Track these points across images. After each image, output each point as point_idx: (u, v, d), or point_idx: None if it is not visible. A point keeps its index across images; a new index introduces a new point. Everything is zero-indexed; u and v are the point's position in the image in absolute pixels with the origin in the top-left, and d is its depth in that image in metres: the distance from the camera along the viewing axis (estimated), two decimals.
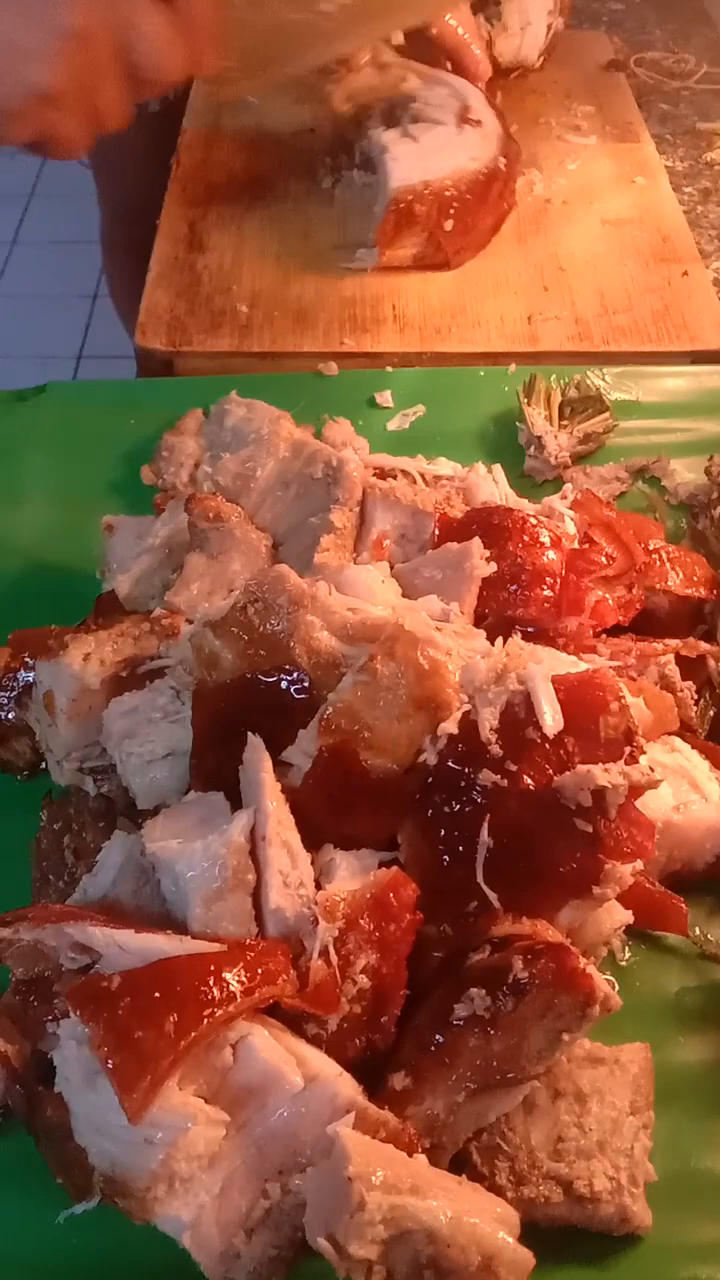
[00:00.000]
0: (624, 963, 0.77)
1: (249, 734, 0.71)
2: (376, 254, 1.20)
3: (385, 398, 1.09)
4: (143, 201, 1.33)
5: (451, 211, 1.18)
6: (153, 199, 1.32)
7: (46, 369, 3.24)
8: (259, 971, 0.61)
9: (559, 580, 0.82)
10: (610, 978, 0.75)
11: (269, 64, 1.19)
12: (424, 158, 1.18)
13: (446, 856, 0.69)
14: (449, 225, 1.19)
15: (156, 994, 0.58)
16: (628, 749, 0.69)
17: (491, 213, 1.24)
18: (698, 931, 0.77)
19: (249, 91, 1.25)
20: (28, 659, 0.82)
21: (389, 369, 1.12)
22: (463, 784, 0.69)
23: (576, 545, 0.85)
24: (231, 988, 0.59)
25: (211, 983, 0.59)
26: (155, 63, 0.99)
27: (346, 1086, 0.63)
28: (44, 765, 0.83)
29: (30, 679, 0.82)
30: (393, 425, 1.07)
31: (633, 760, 0.69)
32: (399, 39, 1.30)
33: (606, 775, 0.67)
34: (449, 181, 1.17)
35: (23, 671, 0.83)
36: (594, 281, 1.23)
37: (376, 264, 1.21)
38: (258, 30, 1.16)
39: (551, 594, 0.81)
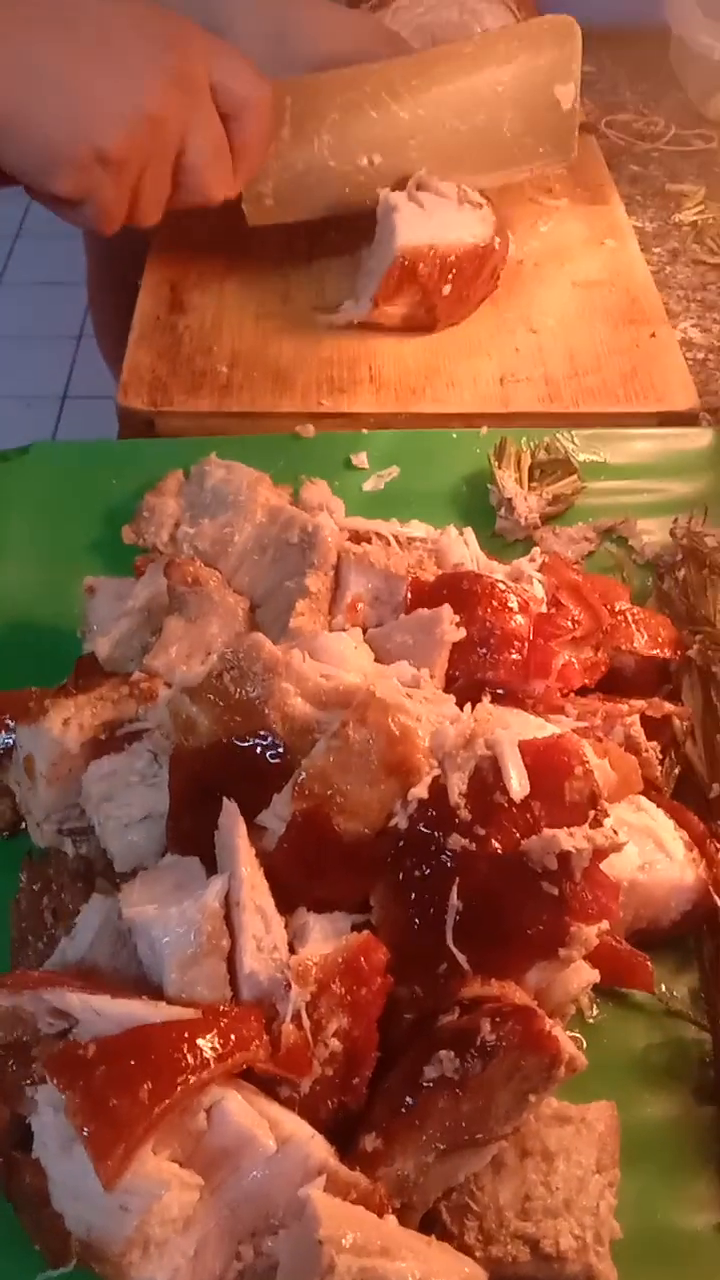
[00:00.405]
0: (591, 1020, 0.78)
1: (224, 799, 0.73)
2: (366, 308, 1.22)
3: (361, 459, 1.12)
4: (128, 243, 1.35)
5: (450, 277, 1.21)
6: (139, 241, 1.34)
7: (30, 410, 3.27)
8: (232, 1037, 0.63)
9: (526, 644, 0.84)
10: (577, 1035, 0.77)
11: (306, 200, 1.27)
12: (429, 223, 1.21)
13: (417, 919, 0.71)
14: (446, 290, 1.22)
15: (132, 1061, 0.59)
16: (592, 812, 0.71)
17: (483, 288, 1.27)
18: (664, 988, 0.79)
19: (282, 219, 1.28)
20: (8, 722, 0.84)
21: (365, 431, 1.15)
22: (433, 848, 0.71)
23: (544, 609, 0.87)
24: (205, 1054, 0.61)
25: (186, 1049, 0.60)
26: (203, 168, 1.07)
27: (319, 1148, 0.64)
28: (24, 826, 0.84)
29: (10, 742, 0.83)
30: (368, 486, 1.10)
31: (597, 823, 0.71)
32: None
33: (571, 839, 0.69)
34: (452, 249, 1.20)
35: (2, 734, 0.84)
36: (564, 343, 1.26)
37: (366, 317, 1.23)
38: (298, 168, 1.24)
39: (520, 657, 0.83)
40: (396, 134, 1.26)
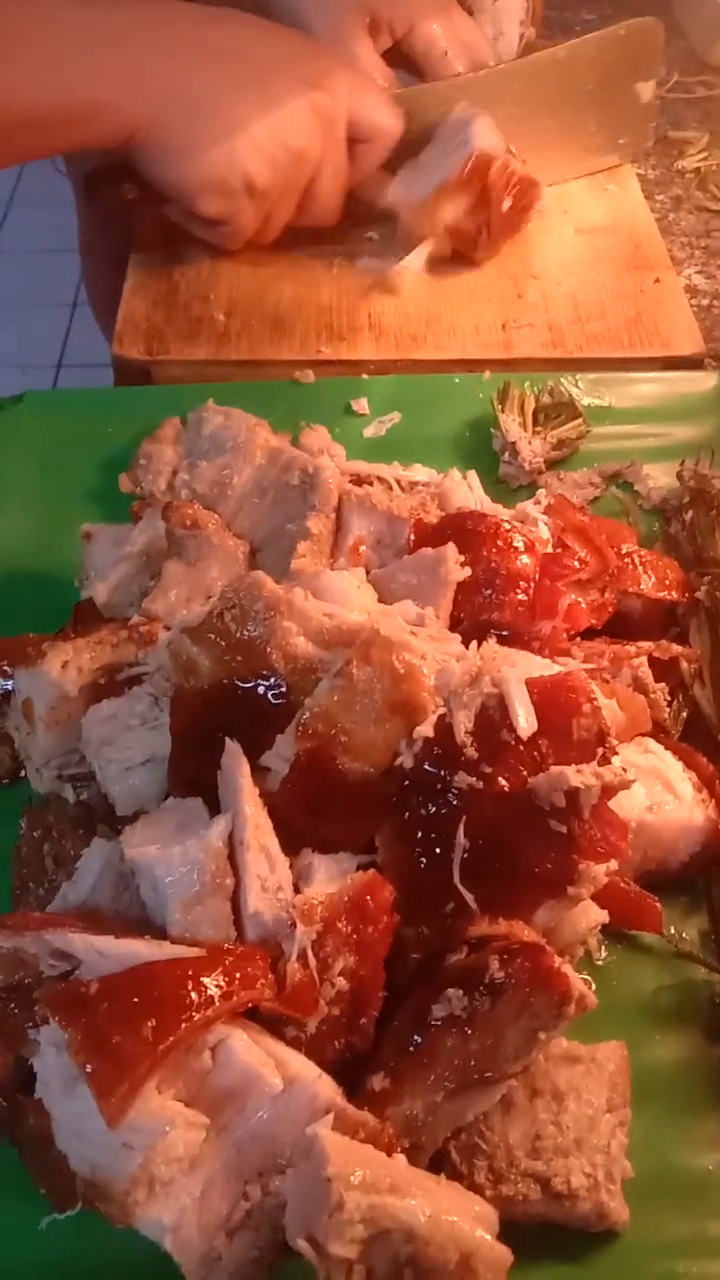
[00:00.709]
0: (600, 962, 0.78)
1: (227, 739, 0.72)
2: (426, 190, 1.19)
3: (362, 405, 1.10)
4: (121, 212, 1.33)
5: (512, 192, 1.19)
6: (130, 210, 1.32)
7: (26, 378, 3.24)
8: (237, 976, 0.62)
9: (533, 584, 0.83)
10: (586, 977, 0.76)
11: None
12: (499, 137, 1.19)
13: (423, 859, 0.70)
14: (506, 204, 1.20)
15: (135, 999, 0.58)
16: (600, 750, 0.70)
17: (517, 223, 1.26)
18: (672, 930, 0.78)
19: None
20: (6, 667, 0.83)
21: (365, 376, 1.13)
22: (439, 786, 0.70)
23: (550, 550, 0.86)
24: (210, 992, 0.60)
25: (190, 987, 0.59)
26: (326, 195, 1.18)
27: (325, 1088, 0.63)
28: (23, 773, 0.83)
29: (8, 687, 0.82)
30: (369, 432, 1.08)
31: (605, 761, 0.70)
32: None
33: (579, 776, 0.68)
34: (517, 169, 1.19)
35: (1, 680, 0.83)
36: (567, 289, 1.24)
37: (421, 204, 1.20)
38: None
39: (525, 598, 0.82)
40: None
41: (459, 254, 1.25)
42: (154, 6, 1.09)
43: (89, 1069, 0.56)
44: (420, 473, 0.95)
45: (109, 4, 1.06)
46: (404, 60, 1.27)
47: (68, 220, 1.98)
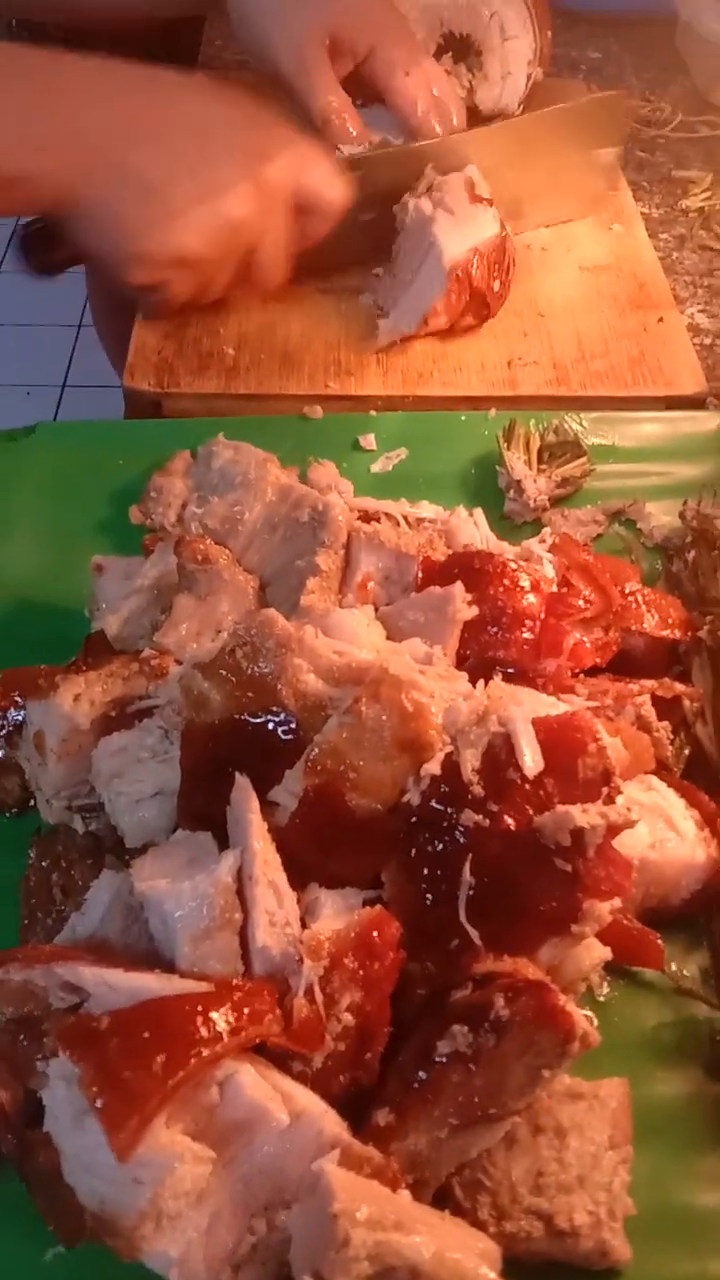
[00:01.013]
0: (602, 998, 0.78)
1: (236, 774, 0.73)
2: (413, 324, 1.21)
3: (369, 441, 1.11)
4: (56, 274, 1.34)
5: (496, 272, 1.21)
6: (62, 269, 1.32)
7: (30, 399, 3.26)
8: (245, 1011, 0.62)
9: (538, 623, 0.84)
10: (589, 1013, 0.77)
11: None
12: (462, 227, 1.21)
13: (430, 895, 0.71)
14: (496, 286, 1.22)
15: (145, 1034, 0.59)
16: (605, 789, 0.71)
17: (513, 276, 1.27)
18: (674, 967, 0.79)
19: None
20: (17, 698, 0.84)
21: (373, 413, 1.15)
22: (445, 824, 0.71)
23: (555, 588, 0.87)
24: (219, 1027, 0.60)
25: (199, 1022, 0.60)
26: (267, 265, 1.14)
27: (331, 1123, 0.64)
28: (33, 803, 0.84)
29: (20, 718, 0.83)
30: (376, 468, 1.09)
31: (610, 800, 0.71)
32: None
33: (585, 815, 0.69)
34: (489, 246, 1.21)
35: (13, 711, 0.84)
36: (571, 327, 1.26)
37: (413, 332, 1.21)
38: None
39: (531, 636, 0.83)
40: None
41: None
42: (101, 78, 1.06)
43: (99, 1103, 0.57)
44: (427, 509, 0.97)
45: (54, 71, 1.03)
46: (363, 85, 1.27)
47: None
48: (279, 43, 1.22)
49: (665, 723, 0.85)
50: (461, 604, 0.82)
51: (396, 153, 1.26)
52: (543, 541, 0.93)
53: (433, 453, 1.10)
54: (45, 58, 1.04)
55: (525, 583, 0.85)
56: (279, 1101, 0.63)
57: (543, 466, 1.07)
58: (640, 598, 0.91)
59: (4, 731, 0.84)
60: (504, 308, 1.27)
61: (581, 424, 1.13)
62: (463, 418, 1.14)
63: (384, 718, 0.72)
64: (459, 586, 0.83)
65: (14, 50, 1.05)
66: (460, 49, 1.48)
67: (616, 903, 0.71)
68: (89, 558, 0.96)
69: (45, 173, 1.01)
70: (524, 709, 0.73)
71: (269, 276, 1.16)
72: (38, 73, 1.03)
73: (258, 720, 0.74)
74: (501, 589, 0.84)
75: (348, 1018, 0.67)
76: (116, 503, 1.05)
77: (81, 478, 1.07)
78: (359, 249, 1.27)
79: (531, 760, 0.70)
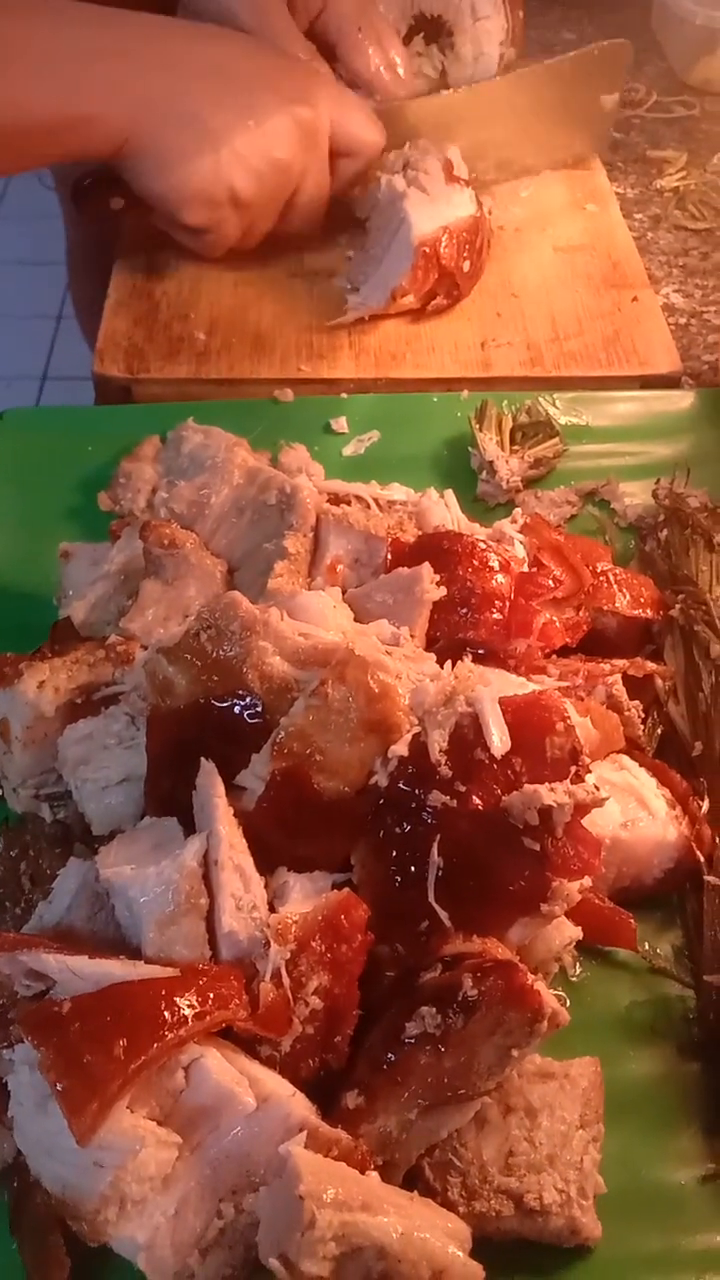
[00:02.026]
0: (575, 978, 0.78)
1: (202, 759, 0.72)
2: (382, 300, 1.21)
3: (341, 424, 1.11)
4: (108, 223, 1.35)
5: (467, 252, 1.22)
6: (118, 221, 1.33)
7: (10, 390, 3.24)
8: (210, 996, 0.62)
9: (508, 603, 0.83)
10: (561, 993, 0.77)
11: None
12: (435, 205, 1.22)
13: (398, 877, 0.70)
14: (466, 266, 1.22)
15: (107, 1018, 0.58)
16: (573, 768, 0.70)
17: (485, 257, 1.27)
18: (647, 946, 0.79)
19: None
20: None
21: (344, 395, 1.14)
22: (413, 805, 0.70)
23: (525, 569, 0.87)
24: (183, 1012, 0.60)
25: (163, 1007, 0.60)
26: (307, 206, 1.21)
27: (299, 1106, 0.64)
28: (1, 793, 0.83)
29: None
30: (348, 450, 1.09)
31: (578, 779, 0.70)
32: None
33: (552, 794, 0.69)
34: (461, 226, 1.21)
35: None
36: (546, 307, 1.25)
37: (382, 309, 1.21)
38: None
39: (501, 616, 0.83)
40: (466, 145, 1.33)
41: None
42: (145, 25, 1.13)
43: (60, 1087, 0.56)
44: (398, 491, 0.96)
45: (102, 22, 1.09)
46: (317, 40, 1.29)
47: (54, 231, 1.99)
48: (239, 5, 1.24)
49: (637, 702, 0.85)
50: (429, 585, 0.81)
51: (419, 104, 1.29)
52: (514, 522, 0.92)
53: (405, 435, 1.10)
54: (96, 9, 1.09)
55: (494, 563, 0.85)
56: (246, 1085, 0.63)
57: (515, 448, 1.06)
58: (612, 577, 0.91)
59: None
60: (478, 288, 1.26)
61: (555, 404, 1.12)
62: (435, 399, 1.13)
63: (350, 699, 0.71)
64: (426, 567, 0.82)
65: (64, 3, 1.10)
66: (432, 30, 1.47)
67: (586, 881, 0.71)
68: (58, 544, 0.95)
69: (113, 114, 1.07)
70: (491, 689, 0.73)
71: (308, 219, 1.22)
72: (96, 21, 1.09)
73: (224, 704, 0.74)
74: (470, 570, 0.84)
75: (316, 1001, 0.66)
76: (86, 489, 1.04)
77: (50, 464, 1.06)
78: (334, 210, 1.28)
79: (499, 740, 0.70)
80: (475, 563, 0.84)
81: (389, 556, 0.88)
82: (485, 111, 1.34)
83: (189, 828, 0.72)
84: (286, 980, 0.65)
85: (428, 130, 1.30)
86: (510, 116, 1.36)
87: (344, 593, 0.85)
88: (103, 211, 1.22)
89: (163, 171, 1.12)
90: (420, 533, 0.91)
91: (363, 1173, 0.62)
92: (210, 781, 0.71)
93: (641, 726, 0.85)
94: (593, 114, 1.41)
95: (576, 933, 0.75)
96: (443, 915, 0.69)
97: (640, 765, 0.83)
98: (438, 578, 0.83)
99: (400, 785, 0.71)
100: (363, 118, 1.21)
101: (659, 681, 0.87)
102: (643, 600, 0.91)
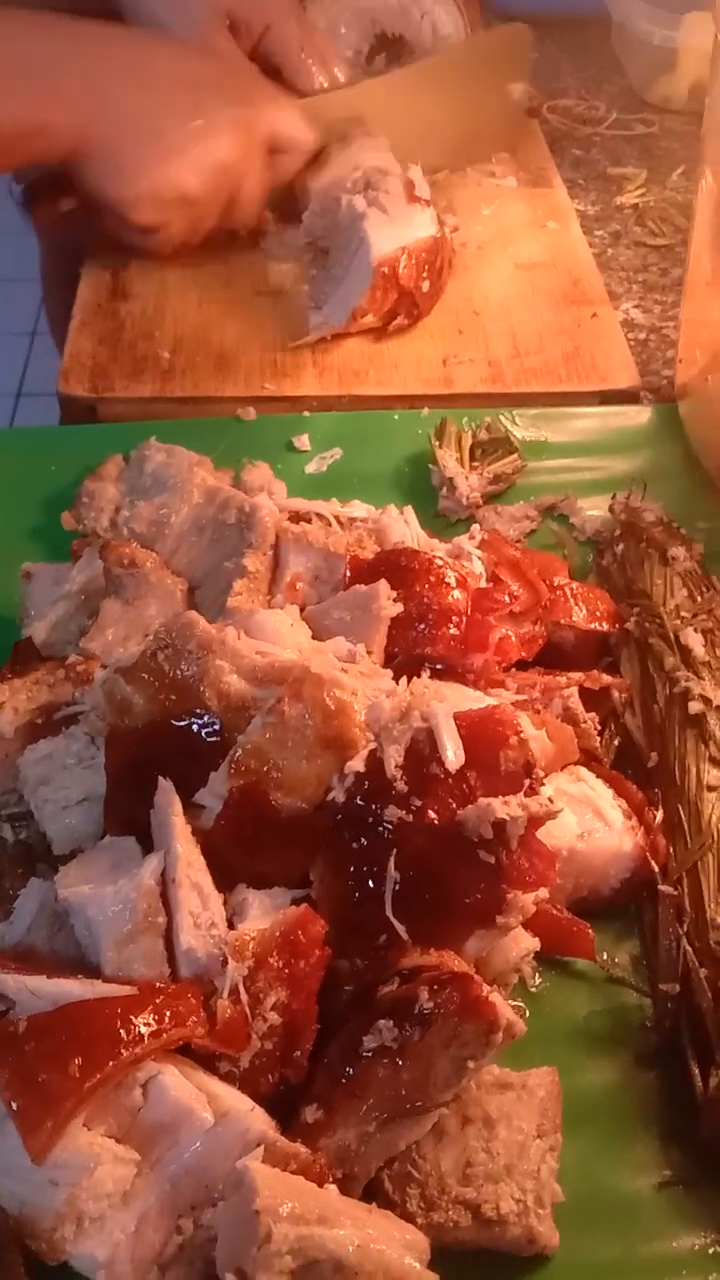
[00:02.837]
0: (534, 989, 0.79)
1: (160, 778, 0.73)
2: (343, 319, 1.22)
3: (303, 441, 1.12)
4: (84, 239, 1.36)
5: (426, 273, 1.23)
6: (70, 224, 1.35)
7: None
8: (168, 1013, 0.62)
9: (465, 618, 0.84)
10: (519, 1004, 0.77)
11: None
12: (394, 226, 1.23)
13: (356, 892, 0.71)
14: (426, 286, 1.24)
15: (63, 1037, 0.59)
16: (527, 781, 0.71)
17: (446, 276, 1.29)
18: (605, 956, 0.80)
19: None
20: None
21: (306, 413, 1.15)
22: (370, 820, 0.71)
23: (483, 584, 0.88)
24: (139, 1030, 0.61)
25: (119, 1025, 0.60)
26: (248, 204, 1.25)
27: (258, 1121, 0.64)
28: None
29: None
30: (311, 468, 1.10)
31: (532, 792, 0.71)
32: None
33: (506, 807, 0.69)
34: (420, 246, 1.23)
35: None
36: (507, 324, 1.27)
37: (343, 329, 1.22)
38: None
39: (458, 632, 0.84)
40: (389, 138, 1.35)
41: None
42: (88, 35, 1.17)
43: (14, 1106, 0.57)
44: (359, 509, 0.97)
45: (55, 30, 1.15)
46: (260, 63, 1.32)
47: (28, 248, 1.99)
48: (179, 27, 1.28)
49: (594, 714, 0.86)
50: (386, 601, 0.82)
51: (335, 96, 1.33)
52: (472, 538, 0.93)
53: (367, 452, 1.11)
54: (48, 18, 1.14)
55: (451, 579, 0.86)
56: (203, 1101, 0.63)
57: (475, 464, 1.08)
58: (569, 591, 0.92)
59: None
60: (439, 306, 1.28)
61: (515, 421, 1.14)
62: (396, 417, 1.14)
63: (307, 717, 0.72)
64: (383, 584, 0.83)
65: (16, 13, 1.13)
66: (394, 49, 1.49)
67: (542, 893, 0.71)
68: (20, 565, 0.95)
69: (65, 122, 1.12)
70: (446, 704, 0.74)
71: (247, 214, 1.27)
72: (48, 30, 1.14)
73: (182, 723, 0.74)
74: (427, 586, 0.85)
75: (274, 1016, 0.67)
76: (49, 509, 1.04)
77: (13, 484, 1.07)
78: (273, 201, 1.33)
79: (453, 754, 0.71)
80: (432, 579, 0.85)
81: (348, 573, 0.89)
82: (399, 103, 1.36)
83: (148, 846, 0.73)
84: (244, 996, 0.66)
85: (341, 126, 1.33)
86: (424, 107, 1.38)
87: (303, 610, 0.86)
88: (53, 213, 1.26)
89: (114, 174, 1.16)
90: (379, 550, 0.92)
91: (321, 1186, 0.63)
92: (168, 800, 0.72)
93: (598, 738, 0.86)
94: (503, 102, 1.46)
95: (534, 944, 0.76)
96: (400, 929, 0.70)
97: (597, 776, 0.84)
98: (395, 594, 0.84)
99: (357, 801, 0.72)
100: (297, 118, 1.26)
101: (615, 694, 0.89)
102: (599, 614, 0.92)
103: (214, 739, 0.74)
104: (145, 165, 1.16)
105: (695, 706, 0.84)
